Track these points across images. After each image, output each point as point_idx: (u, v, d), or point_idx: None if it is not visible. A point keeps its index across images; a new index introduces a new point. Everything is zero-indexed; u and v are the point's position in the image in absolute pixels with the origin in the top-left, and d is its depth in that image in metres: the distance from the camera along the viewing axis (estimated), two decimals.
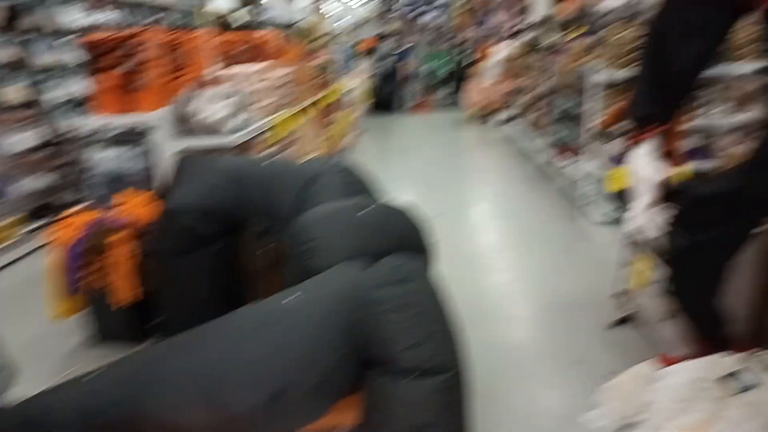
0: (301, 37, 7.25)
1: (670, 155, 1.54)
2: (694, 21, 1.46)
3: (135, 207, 2.36)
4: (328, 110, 5.28)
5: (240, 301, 1.73)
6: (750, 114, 2.50)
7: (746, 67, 3.06)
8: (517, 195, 4.74)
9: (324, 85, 5.25)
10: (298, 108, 3.77)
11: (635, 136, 1.53)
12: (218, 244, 2.06)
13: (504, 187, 5.06)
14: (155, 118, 2.52)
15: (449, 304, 1.53)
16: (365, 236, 1.71)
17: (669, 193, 1.50)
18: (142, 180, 2.52)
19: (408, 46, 10.25)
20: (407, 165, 6.08)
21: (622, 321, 2.41)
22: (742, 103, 3.12)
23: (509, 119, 7.19)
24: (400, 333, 1.38)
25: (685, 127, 2.58)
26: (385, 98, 10.01)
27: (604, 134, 3.49)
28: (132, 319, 2.35)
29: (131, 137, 2.55)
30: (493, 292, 2.91)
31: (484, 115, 8.24)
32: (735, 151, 2.21)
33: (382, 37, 10.26)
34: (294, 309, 1.44)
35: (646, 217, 1.51)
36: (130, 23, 4.98)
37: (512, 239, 3.74)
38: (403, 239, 1.78)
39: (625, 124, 1.56)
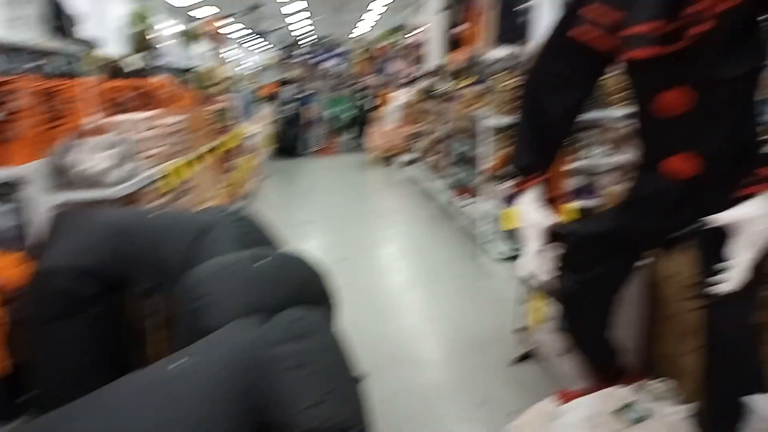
0: (198, 83, 7.10)
1: (554, 201, 1.62)
2: (565, 74, 1.55)
3: (4, 269, 2.13)
4: (228, 156, 5.15)
5: (126, 368, 1.58)
6: (625, 155, 2.72)
7: (619, 112, 3.34)
8: (422, 235, 4.82)
9: (223, 130, 5.14)
10: (193, 155, 3.64)
11: (519, 185, 1.59)
12: (99, 306, 1.88)
13: (408, 228, 5.13)
14: (28, 170, 2.31)
15: (352, 356, 1.48)
16: (262, 289, 1.63)
17: (554, 236, 1.57)
18: (13, 239, 2.29)
19: (310, 91, 10.34)
20: (313, 208, 6.03)
21: (524, 357, 2.46)
22: (618, 145, 3.40)
23: (411, 161, 7.38)
24: (299, 392, 1.31)
25: (568, 168, 2.74)
26: (289, 142, 9.97)
27: (496, 176, 3.65)
28: (0, 395, 2.08)
29: (1, 192, 2.32)
30: (400, 336, 2.89)
31: (387, 157, 8.42)
32: (614, 189, 2.37)
33: (283, 83, 10.29)
34: (182, 375, 1.33)
35: (536, 262, 1.56)
36: (6, 70, 4.63)
37: (417, 280, 3.77)
38: (303, 290, 1.72)
39: (510, 170, 1.63)
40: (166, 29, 9.22)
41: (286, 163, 9.36)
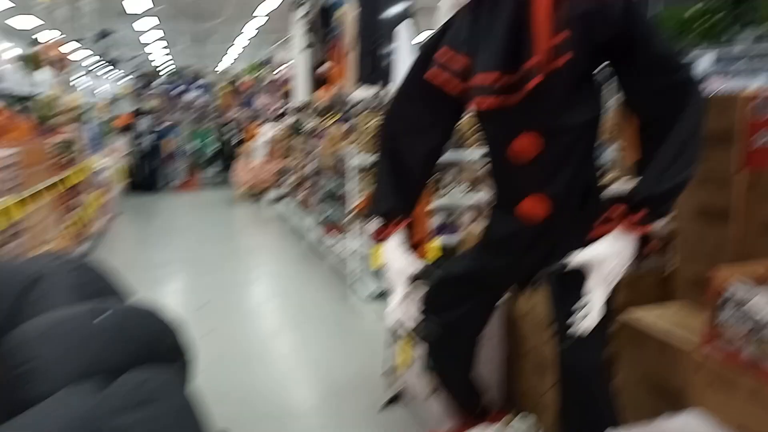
0: (39, 112, 6.42)
1: (418, 244, 1.62)
2: (422, 117, 1.57)
3: None
4: (73, 193, 4.67)
5: None
6: (482, 194, 2.86)
7: (475, 152, 3.53)
8: (290, 275, 4.69)
9: (67, 164, 4.66)
10: (26, 192, 3.23)
11: (382, 232, 1.56)
12: None
13: (277, 268, 4.97)
14: None
15: (208, 419, 1.34)
16: (101, 349, 1.44)
17: (417, 279, 1.56)
18: None
19: (169, 123, 9.83)
20: (171, 249, 5.64)
21: (393, 399, 2.43)
22: (475, 184, 3.58)
23: (279, 198, 7.24)
24: None
25: (431, 206, 2.81)
26: (147, 177, 9.35)
27: (364, 215, 3.67)
28: None
29: None
30: (268, 386, 2.73)
31: (255, 193, 8.19)
32: (473, 228, 2.46)
33: (139, 114, 9.68)
34: None
35: (403, 309, 1.54)
36: None
37: (285, 324, 3.63)
38: (152, 347, 1.55)
39: (372, 215, 1.60)
40: (3, 52, 8.31)
41: (143, 199, 8.73)
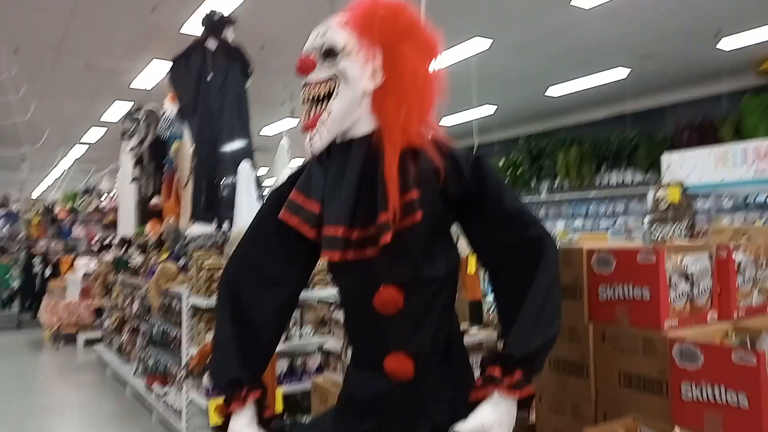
0: None
1: (268, 420, 1.43)
2: (273, 266, 1.45)
3: None
4: None
5: None
6: (331, 338, 2.74)
7: (323, 293, 3.45)
8: None
9: None
10: None
11: (226, 407, 1.36)
12: None
13: (93, 428, 4.24)
14: None
15: None
16: None
17: None
18: None
19: None
20: None
21: None
22: (321, 326, 3.47)
23: (97, 341, 6.41)
24: None
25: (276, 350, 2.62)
26: None
27: (199, 366, 3.33)
28: None
29: None
30: None
31: (67, 335, 7.18)
32: (321, 379, 2.33)
33: None
34: None
35: None
36: None
37: None
38: None
39: (214, 384, 1.38)
40: None
41: None
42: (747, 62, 6.69)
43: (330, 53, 1.32)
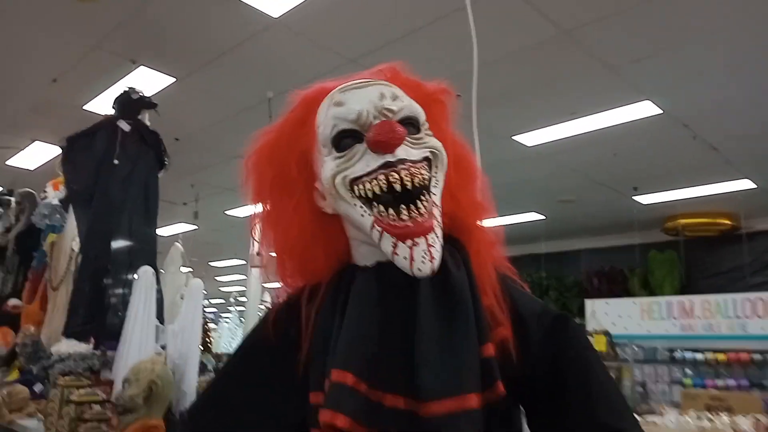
0: None
1: None
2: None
3: None
4: None
5: None
6: None
7: None
8: None
9: None
10: None
11: None
12: None
13: None
14: None
15: None
16: None
17: None
18: None
19: None
20: None
21: None
22: None
23: None
24: None
25: None
26: None
27: None
28: None
29: None
30: None
31: None
32: None
33: None
34: None
35: None
36: None
37: None
38: None
39: None
40: None
41: None
42: (657, 218, 7.10)
43: (412, 124, 0.84)
